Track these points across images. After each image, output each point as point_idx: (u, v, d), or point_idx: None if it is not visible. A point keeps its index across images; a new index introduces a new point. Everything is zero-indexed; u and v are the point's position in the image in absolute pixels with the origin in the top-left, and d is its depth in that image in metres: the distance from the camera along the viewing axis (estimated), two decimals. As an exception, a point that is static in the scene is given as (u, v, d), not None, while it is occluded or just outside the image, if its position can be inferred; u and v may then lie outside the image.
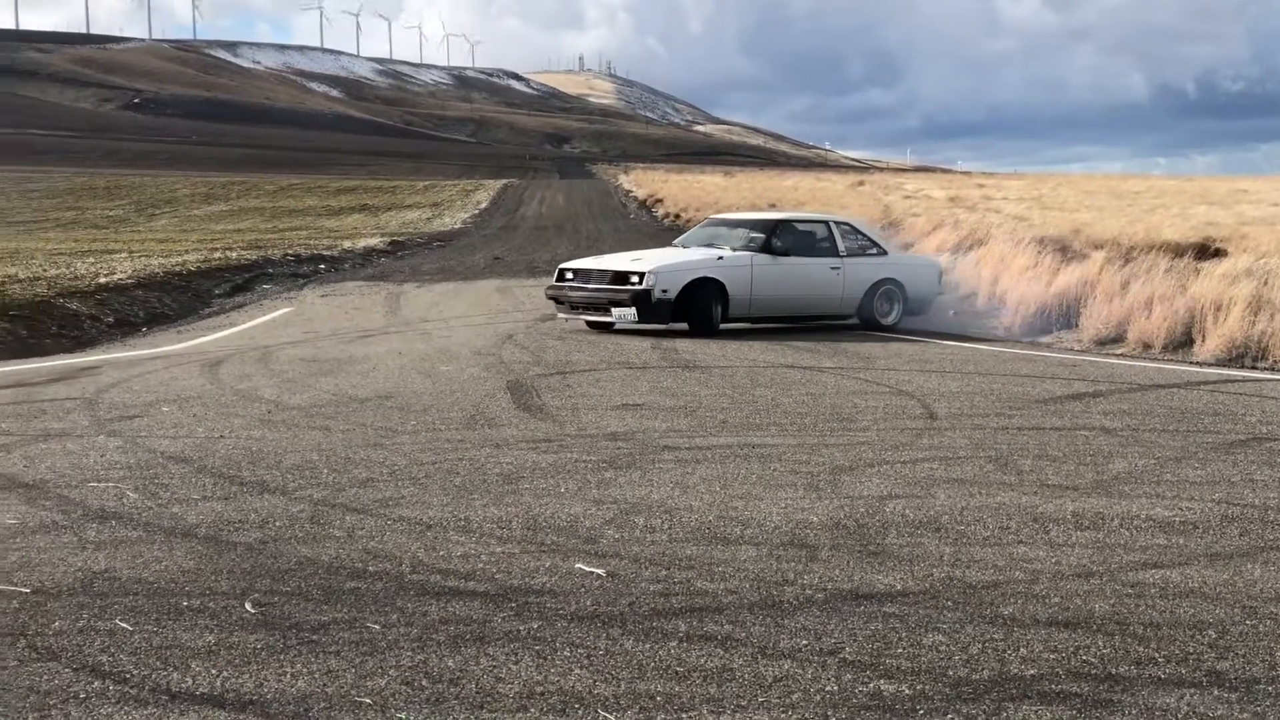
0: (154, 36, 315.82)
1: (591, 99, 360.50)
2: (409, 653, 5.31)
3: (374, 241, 42.45)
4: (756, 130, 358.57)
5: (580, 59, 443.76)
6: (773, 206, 56.52)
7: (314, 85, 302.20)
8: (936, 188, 76.25)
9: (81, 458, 9.48)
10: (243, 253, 35.02)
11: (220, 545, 6.95)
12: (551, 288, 19.96)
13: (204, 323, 23.22)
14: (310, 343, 18.21)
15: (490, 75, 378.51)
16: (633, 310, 18.73)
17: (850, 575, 6.50)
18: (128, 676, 5.01)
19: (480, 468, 9.25)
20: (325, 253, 37.53)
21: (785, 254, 19.93)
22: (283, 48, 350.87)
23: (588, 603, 6.01)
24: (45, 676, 5.01)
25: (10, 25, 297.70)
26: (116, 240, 39.99)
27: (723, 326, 19.34)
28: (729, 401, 12.68)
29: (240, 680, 5.00)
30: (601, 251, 40.55)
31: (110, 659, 5.20)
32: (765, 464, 9.43)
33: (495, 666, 5.19)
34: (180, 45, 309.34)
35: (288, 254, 35.90)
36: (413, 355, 16.34)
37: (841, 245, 20.60)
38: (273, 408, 12.14)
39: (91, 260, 30.14)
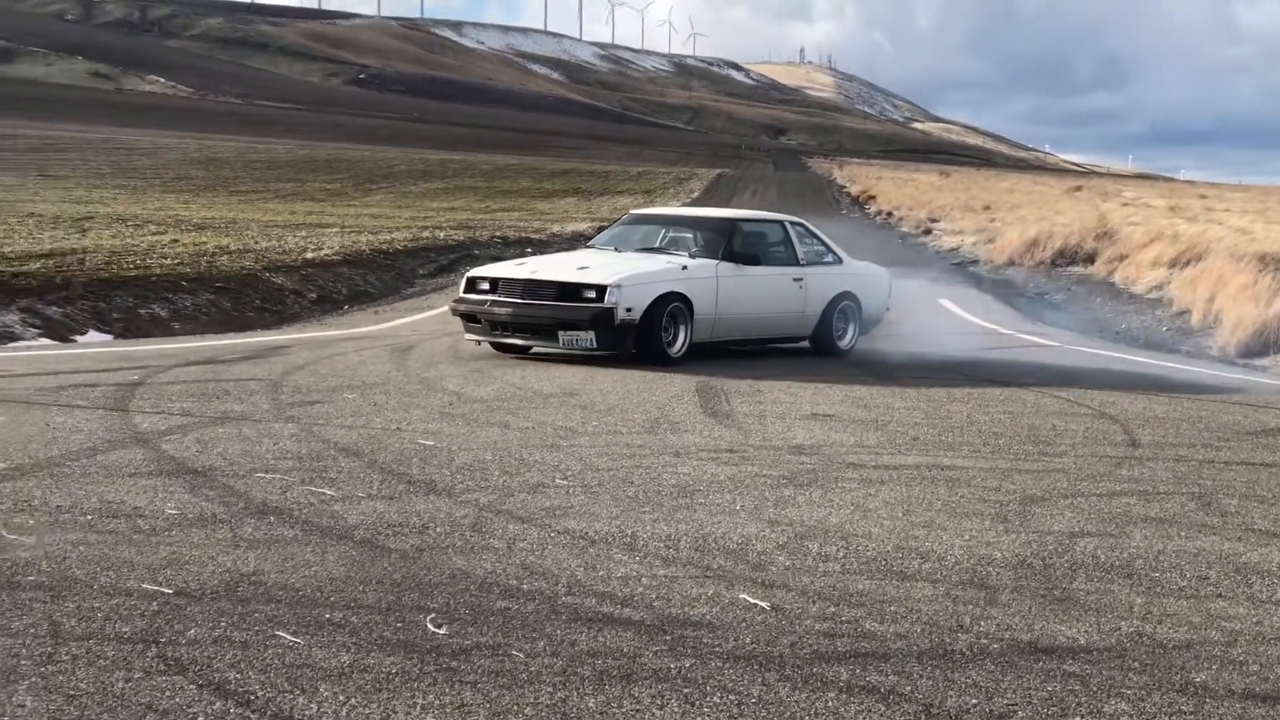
0: (383, 14, 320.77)
1: (810, 92, 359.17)
2: (549, 689, 5.01)
3: (582, 226, 42.39)
4: (975, 130, 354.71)
5: (801, 51, 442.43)
6: (987, 209, 55.64)
7: (535, 67, 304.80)
8: (1156, 196, 74.51)
9: (255, 444, 9.35)
10: (451, 232, 35.15)
11: (375, 550, 6.73)
12: (461, 301, 15.66)
13: (404, 303, 23.27)
14: (504, 331, 18.07)
15: (710, 64, 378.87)
16: (590, 335, 14.90)
17: (1031, 624, 6.09)
18: (252, 698, 4.77)
19: (656, 477, 8.95)
20: (533, 236, 37.53)
21: (748, 262, 16.30)
22: (506, 29, 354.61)
23: (747, 640, 5.68)
24: (168, 693, 4.79)
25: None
26: (331, 214, 40.41)
27: (681, 354, 15.46)
28: (922, 416, 12.25)
29: (367, 710, 4.73)
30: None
31: (239, 676, 4.97)
32: (953, 489, 9.02)
33: (639, 710, 4.87)
34: (407, 23, 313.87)
35: (495, 236, 35.94)
36: (605, 349, 16.11)
37: (800, 251, 17.25)
38: (455, 399, 11.97)
39: (303, 234, 30.43)
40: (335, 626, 5.57)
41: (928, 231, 50.44)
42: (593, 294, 14.86)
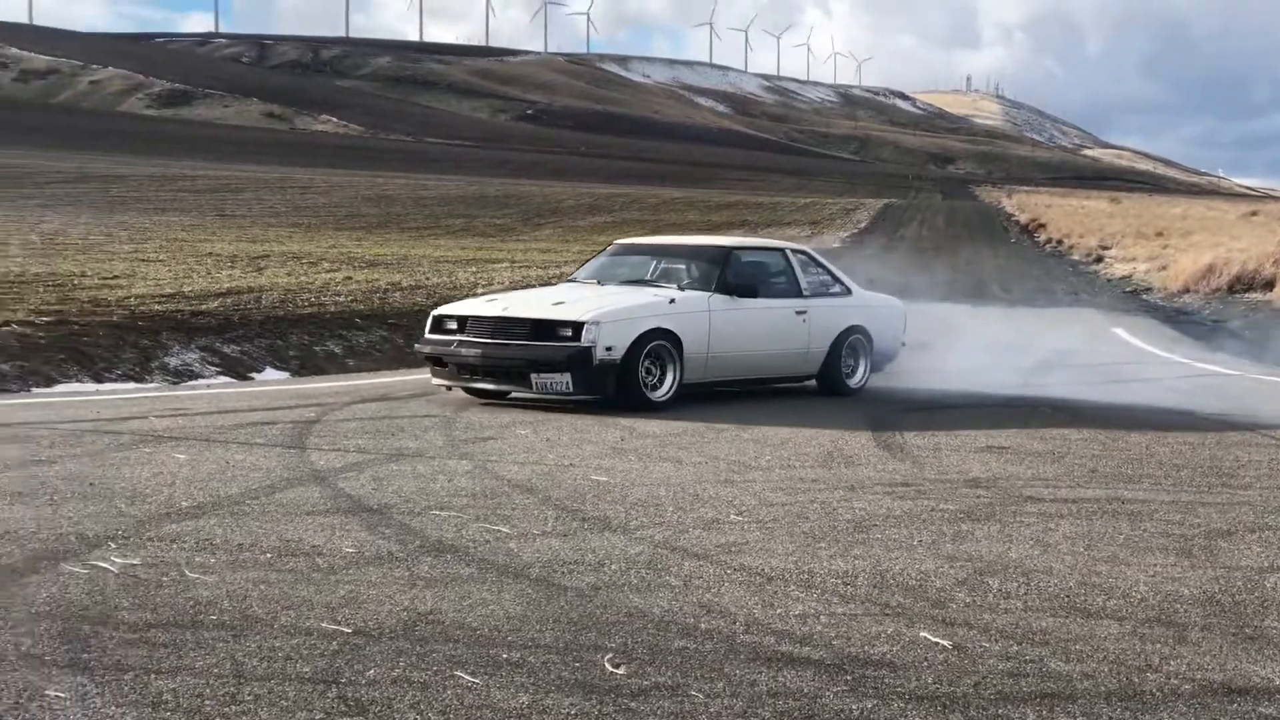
0: (550, 50, 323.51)
1: (977, 120, 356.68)
2: (729, 730, 4.96)
3: (749, 259, 42.29)
4: (1145, 155, 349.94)
5: (968, 79, 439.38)
6: (1159, 235, 54.79)
7: (701, 100, 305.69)
8: (1338, 220, 72.87)
9: (429, 482, 9.40)
10: (619, 267, 35.24)
11: (551, 589, 6.71)
12: (427, 343, 14.36)
13: (574, 338, 23.30)
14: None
15: (876, 94, 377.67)
16: (566, 377, 13.45)
17: (1222, 664, 5.92)
18: (432, 739, 4.77)
19: (831, 512, 8.86)
20: (700, 269, 37.49)
21: (744, 294, 14.84)
22: (672, 63, 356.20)
23: (929, 679, 5.57)
24: (348, 733, 4.80)
25: (415, 37, 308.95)
26: (501, 249, 40.73)
27: (667, 398, 13.97)
28: (1099, 447, 12.04)
29: (548, 751, 4.71)
30: (981, 278, 39.71)
31: (418, 717, 4.94)
32: (1134, 523, 8.82)
33: (821, 752, 4.80)
34: (574, 59, 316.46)
35: (662, 270, 36.00)
36: (775, 382, 16.01)
37: (803, 282, 15.78)
38: (627, 434, 11.97)
39: (474, 269, 30.67)
40: (513, 666, 5.55)
41: (1099, 259, 49.83)
42: (568, 332, 13.53)
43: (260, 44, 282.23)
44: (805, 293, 15.69)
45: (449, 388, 14.40)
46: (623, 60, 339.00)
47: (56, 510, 8.13)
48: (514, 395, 14.13)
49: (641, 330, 13.71)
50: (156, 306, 18.88)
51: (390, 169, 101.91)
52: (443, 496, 8.91)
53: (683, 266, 15.37)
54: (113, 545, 7.29)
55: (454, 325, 14.17)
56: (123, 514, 8.08)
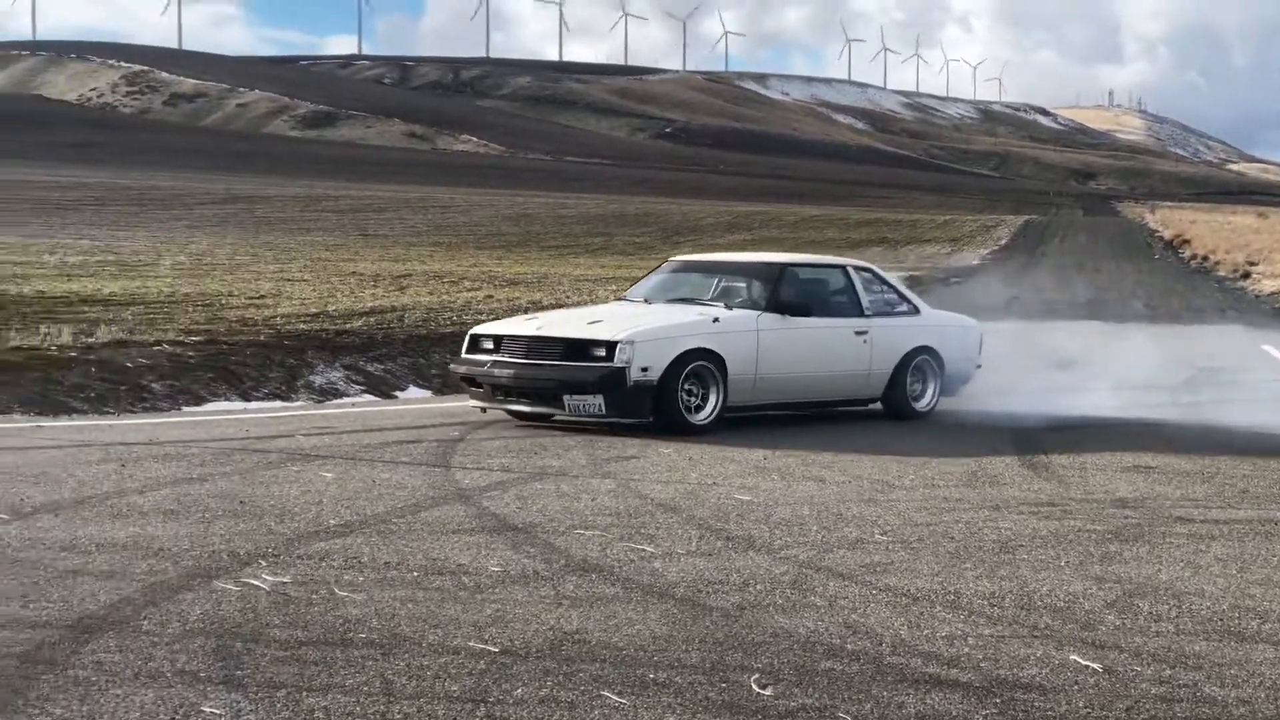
0: (688, 68, 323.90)
1: (1119, 135, 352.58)
2: (878, 752, 4.93)
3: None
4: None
5: (1109, 94, 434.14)
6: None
7: (839, 117, 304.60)
8: None
9: (573, 501, 9.45)
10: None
11: (696, 609, 6.72)
12: (462, 362, 13.94)
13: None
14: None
15: (1016, 110, 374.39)
16: (599, 399, 12.96)
17: (1381, 689, 5.81)
18: (581, 759, 4.79)
19: (976, 532, 8.80)
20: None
21: (797, 312, 14.23)
22: (810, 80, 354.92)
23: (1080, 703, 5.51)
24: (498, 752, 4.83)
25: (554, 57, 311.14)
26: (640, 267, 40.74)
27: (709, 421, 13.42)
28: (1251, 468, 11.85)
29: (696, 772, 4.71)
30: (1124, 295, 39.24)
31: (566, 736, 4.99)
32: (1289, 545, 8.67)
33: (971, 776, 4.76)
34: (712, 76, 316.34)
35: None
36: (917, 401, 15.89)
37: (865, 300, 15.05)
38: (769, 454, 11.95)
39: (614, 288, 30.70)
40: (660, 686, 5.56)
41: (1246, 275, 49.06)
42: (601, 351, 13.06)
43: (402, 65, 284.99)
44: (867, 312, 15.03)
45: (484, 409, 14.03)
46: (761, 78, 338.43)
47: (208, 528, 8.27)
48: (558, 418, 13.71)
49: (680, 350, 13.23)
50: (302, 326, 19.15)
51: (530, 188, 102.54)
52: (587, 515, 8.95)
53: (736, 284, 14.90)
54: (263, 563, 7.40)
55: (490, 345, 13.81)
56: (272, 532, 8.20)
